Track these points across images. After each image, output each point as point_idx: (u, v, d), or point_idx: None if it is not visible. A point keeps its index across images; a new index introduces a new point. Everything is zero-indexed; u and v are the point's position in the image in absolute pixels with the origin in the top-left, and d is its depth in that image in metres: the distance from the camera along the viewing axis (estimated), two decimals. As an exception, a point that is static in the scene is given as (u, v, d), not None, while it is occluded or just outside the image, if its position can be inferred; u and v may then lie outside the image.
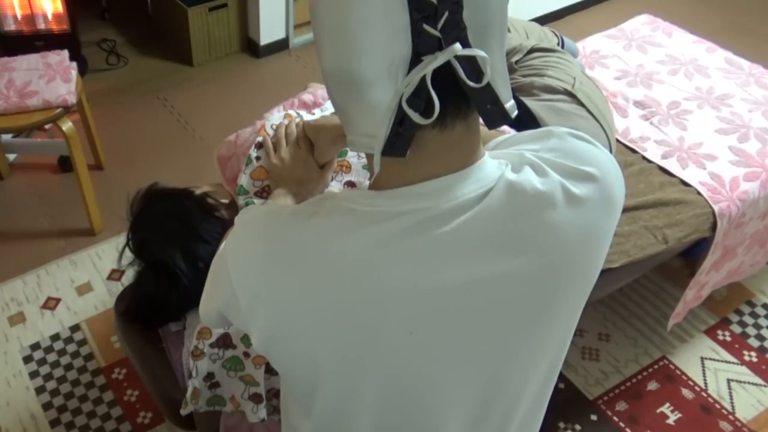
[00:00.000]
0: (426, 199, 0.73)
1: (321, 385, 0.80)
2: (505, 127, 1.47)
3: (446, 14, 0.66)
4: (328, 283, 0.74)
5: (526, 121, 1.64)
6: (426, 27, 0.66)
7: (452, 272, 0.73)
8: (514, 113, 0.73)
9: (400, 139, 0.70)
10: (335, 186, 1.41)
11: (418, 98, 0.68)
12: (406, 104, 0.67)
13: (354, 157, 1.43)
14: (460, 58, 0.67)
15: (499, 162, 0.77)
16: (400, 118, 0.69)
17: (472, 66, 0.68)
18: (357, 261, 0.73)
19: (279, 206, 0.87)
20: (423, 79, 0.67)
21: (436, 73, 0.67)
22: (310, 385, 0.81)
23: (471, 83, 0.68)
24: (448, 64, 0.67)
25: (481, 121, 0.75)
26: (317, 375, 0.79)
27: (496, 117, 0.71)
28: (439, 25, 0.66)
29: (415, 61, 0.67)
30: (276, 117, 1.47)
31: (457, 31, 0.67)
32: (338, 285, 0.74)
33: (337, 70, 0.72)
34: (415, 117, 0.68)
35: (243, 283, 0.78)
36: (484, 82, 0.68)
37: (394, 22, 0.66)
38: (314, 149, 1.26)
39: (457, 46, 0.66)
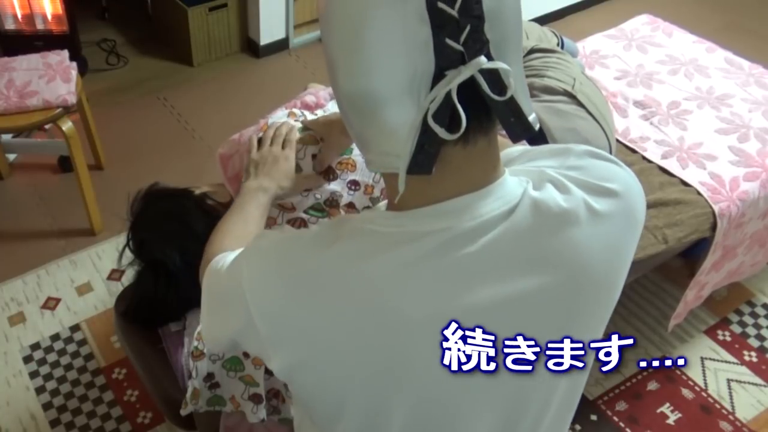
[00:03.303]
0: (449, 218, 0.72)
1: (346, 409, 0.79)
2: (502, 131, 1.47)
3: (468, 28, 0.65)
4: (355, 308, 0.72)
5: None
6: (449, 41, 0.65)
7: (479, 293, 0.72)
8: (537, 126, 0.72)
9: (426, 156, 0.68)
10: (338, 185, 1.40)
11: (442, 114, 0.66)
12: (431, 120, 0.66)
13: (359, 156, 1.43)
14: (482, 72, 0.66)
15: (520, 179, 0.76)
16: (425, 135, 0.67)
17: (495, 79, 0.67)
18: (384, 285, 0.72)
19: (297, 233, 0.85)
20: (447, 94, 0.65)
21: (458, 87, 0.65)
22: (335, 410, 0.80)
23: (495, 96, 0.67)
24: (469, 78, 0.66)
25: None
26: (343, 400, 0.78)
27: (519, 130, 0.70)
28: (462, 39, 0.65)
29: (437, 76, 0.66)
30: (279, 115, 1.47)
31: (479, 45, 0.66)
32: (365, 310, 0.72)
33: (354, 92, 0.71)
34: (442, 132, 0.66)
35: (266, 313, 0.76)
36: (508, 95, 0.67)
37: (414, 38, 0.65)
38: (324, 144, 1.28)
39: (482, 59, 0.65)
